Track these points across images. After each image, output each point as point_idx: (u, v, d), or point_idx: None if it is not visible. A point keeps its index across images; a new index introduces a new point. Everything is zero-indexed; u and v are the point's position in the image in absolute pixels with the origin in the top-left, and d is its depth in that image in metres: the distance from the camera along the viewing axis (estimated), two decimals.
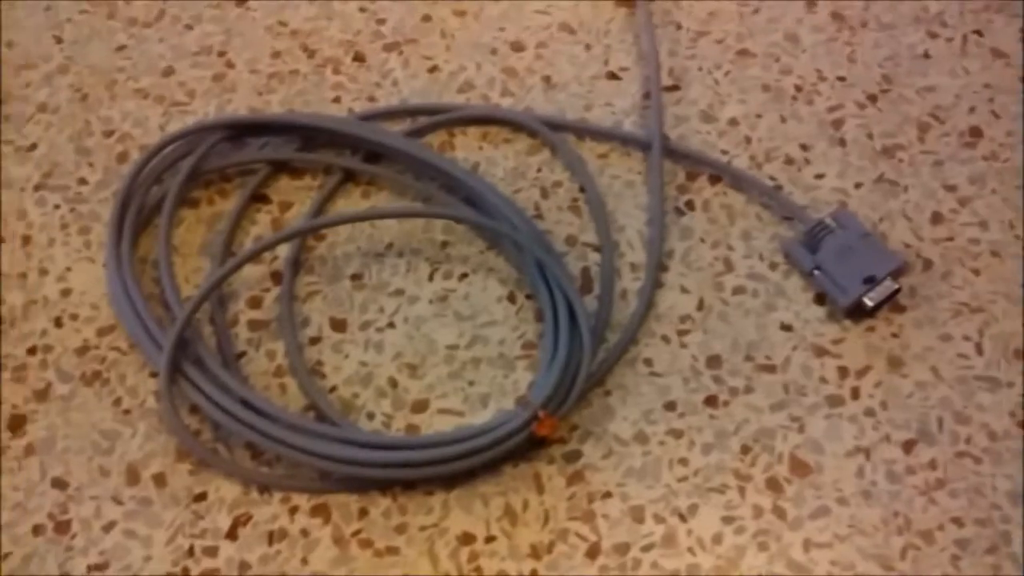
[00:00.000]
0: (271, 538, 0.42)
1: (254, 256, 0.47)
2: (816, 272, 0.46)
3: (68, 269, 0.49)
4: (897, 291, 0.46)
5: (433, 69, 0.55)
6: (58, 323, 0.48)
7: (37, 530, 0.43)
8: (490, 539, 0.42)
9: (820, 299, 0.47)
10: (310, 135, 0.52)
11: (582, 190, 0.51)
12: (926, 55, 0.54)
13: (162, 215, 0.48)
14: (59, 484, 0.44)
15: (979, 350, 0.46)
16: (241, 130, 0.51)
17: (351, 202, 0.51)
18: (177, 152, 0.50)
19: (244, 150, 0.52)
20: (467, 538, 0.42)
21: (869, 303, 0.45)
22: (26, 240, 0.50)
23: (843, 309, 0.46)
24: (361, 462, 0.42)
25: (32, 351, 0.47)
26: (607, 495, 0.43)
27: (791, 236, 0.48)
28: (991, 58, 0.54)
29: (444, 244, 0.50)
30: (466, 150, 0.52)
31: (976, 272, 0.48)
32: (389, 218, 0.50)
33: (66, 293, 0.48)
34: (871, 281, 0.45)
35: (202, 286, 0.45)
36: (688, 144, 0.52)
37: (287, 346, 0.46)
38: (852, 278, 0.46)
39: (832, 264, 0.46)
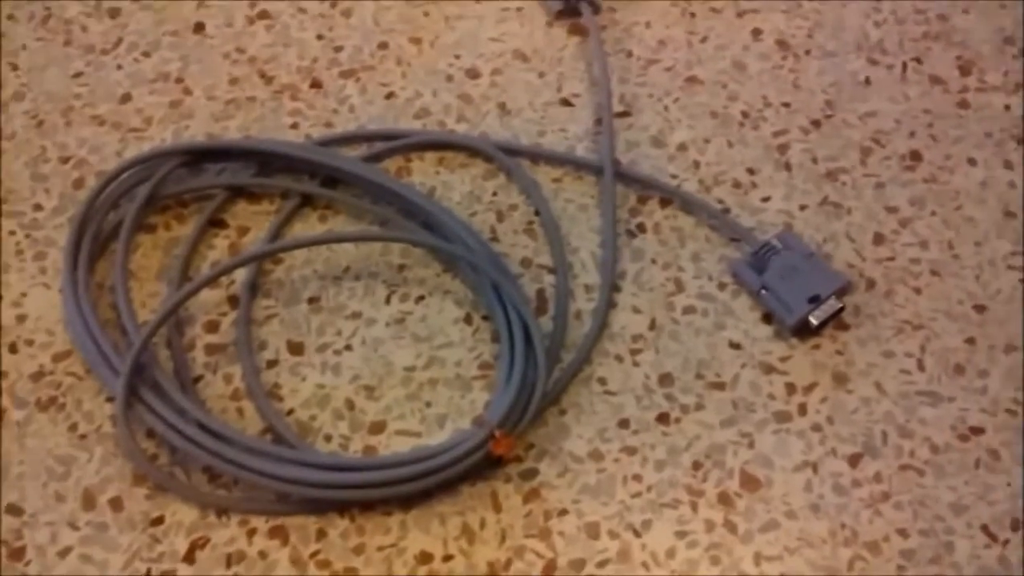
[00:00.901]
0: (229, 561, 0.42)
1: (211, 281, 0.47)
2: (763, 291, 0.48)
3: (23, 295, 0.49)
4: (841, 310, 0.47)
5: (390, 96, 0.56)
6: (13, 349, 0.48)
7: None
8: (448, 558, 0.42)
9: (767, 318, 0.48)
10: (267, 160, 0.52)
11: (537, 213, 0.52)
12: (867, 82, 0.56)
13: (119, 240, 0.49)
14: (14, 510, 0.43)
15: (921, 366, 0.47)
16: (198, 156, 0.52)
17: (308, 226, 0.51)
18: (134, 178, 0.50)
19: (201, 176, 0.52)
20: (425, 557, 0.42)
21: (814, 321, 0.47)
22: None
23: (789, 327, 0.47)
24: (319, 484, 0.42)
25: None
26: (563, 512, 0.43)
27: (739, 257, 0.50)
28: (929, 84, 0.56)
29: (401, 267, 0.50)
30: (423, 175, 0.53)
31: (917, 291, 0.49)
32: (347, 242, 0.51)
33: (21, 319, 0.48)
34: (816, 300, 0.47)
35: (159, 311, 0.45)
36: (639, 168, 0.53)
37: (244, 370, 0.47)
38: (797, 297, 0.47)
39: (778, 284, 0.47)
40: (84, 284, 0.47)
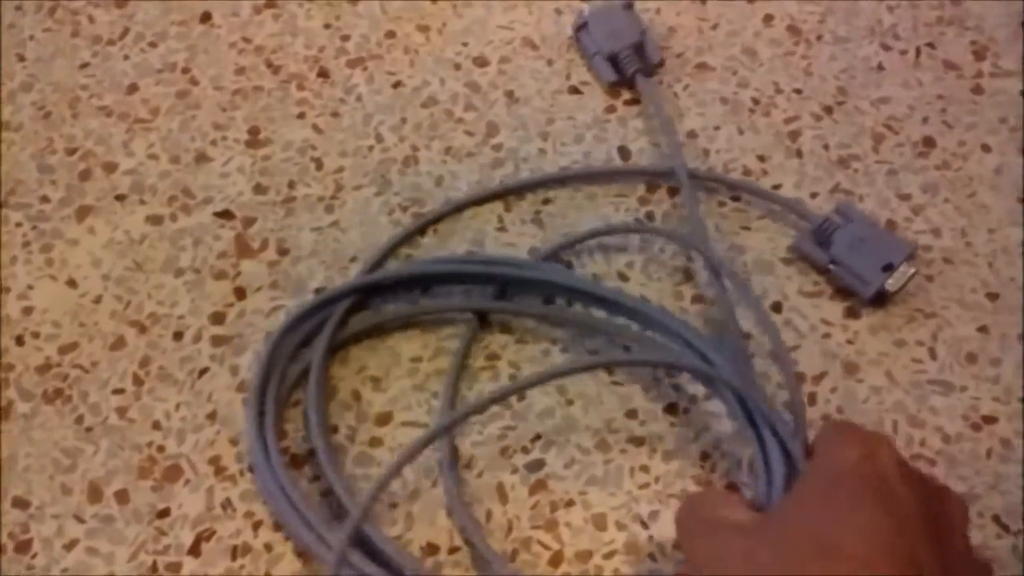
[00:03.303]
0: (234, 553, 0.42)
1: (430, 442, 0.41)
2: (832, 266, 0.47)
3: (30, 287, 0.49)
4: (914, 274, 0.47)
5: (397, 84, 0.56)
6: (19, 341, 0.48)
7: None
8: (454, 550, 0.42)
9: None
10: (437, 281, 0.48)
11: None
12: (880, 67, 0.55)
13: (307, 397, 0.44)
14: (20, 503, 0.43)
15: (932, 355, 0.46)
16: (368, 291, 0.48)
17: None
18: (310, 325, 0.46)
19: (375, 310, 0.48)
20: (431, 549, 0.42)
21: (891, 288, 0.46)
22: None
23: (867, 299, 0.47)
24: None
25: None
26: (570, 503, 0.43)
27: (800, 233, 0.49)
28: (943, 70, 0.55)
29: (407, 256, 0.50)
30: (431, 165, 0.53)
31: (929, 279, 0.48)
32: (588, 370, 0.46)
33: (28, 311, 0.48)
34: (889, 268, 0.46)
35: (378, 480, 0.40)
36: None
37: (462, 525, 0.42)
38: (871, 268, 0.47)
39: (848, 256, 0.47)
40: (275, 448, 0.43)
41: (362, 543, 0.40)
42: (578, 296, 0.48)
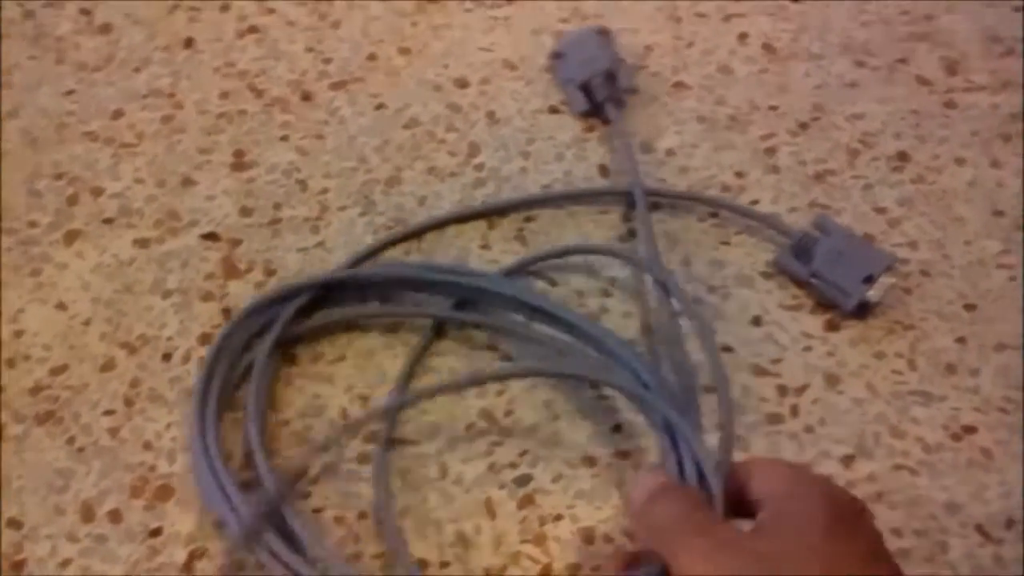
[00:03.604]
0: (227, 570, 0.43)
1: (361, 426, 0.44)
2: (813, 280, 0.48)
3: (20, 311, 0.49)
4: (894, 285, 0.48)
5: (379, 107, 0.56)
6: (11, 364, 0.48)
7: None
8: (444, 564, 0.43)
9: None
10: (401, 287, 0.49)
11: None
12: (854, 84, 0.57)
13: (251, 389, 0.45)
14: (14, 524, 0.44)
15: (912, 366, 0.47)
16: (327, 290, 0.48)
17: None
18: (261, 317, 0.47)
19: (330, 310, 0.49)
20: (421, 564, 0.43)
21: (873, 299, 0.47)
22: None
23: (849, 311, 0.48)
24: None
25: None
26: (558, 518, 0.44)
27: (781, 249, 0.50)
28: (916, 85, 0.57)
29: None
30: (414, 185, 0.53)
31: (907, 291, 0.49)
32: (525, 377, 0.47)
33: (19, 334, 0.49)
34: (869, 280, 0.47)
35: (299, 462, 0.43)
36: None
37: (376, 502, 0.44)
38: (851, 280, 0.47)
39: (828, 270, 0.48)
40: (213, 430, 0.44)
41: (285, 532, 0.41)
42: (536, 313, 0.48)
